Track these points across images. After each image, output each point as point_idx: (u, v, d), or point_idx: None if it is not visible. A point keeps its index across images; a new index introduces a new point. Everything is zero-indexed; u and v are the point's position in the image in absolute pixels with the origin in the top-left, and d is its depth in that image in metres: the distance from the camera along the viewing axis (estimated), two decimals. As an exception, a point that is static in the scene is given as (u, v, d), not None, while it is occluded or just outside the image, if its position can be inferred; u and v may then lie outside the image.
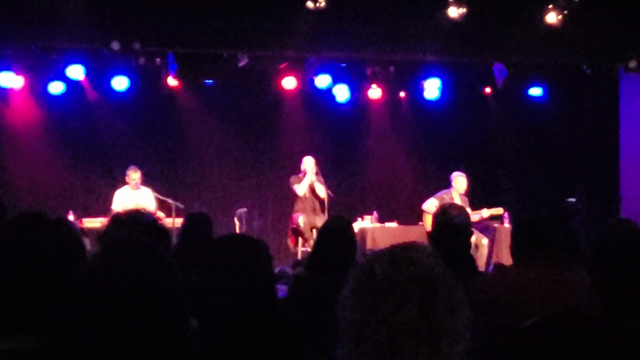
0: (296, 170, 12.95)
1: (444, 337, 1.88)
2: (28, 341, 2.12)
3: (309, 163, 12.81)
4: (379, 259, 1.98)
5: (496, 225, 12.72)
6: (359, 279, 1.96)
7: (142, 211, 3.68)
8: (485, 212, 12.60)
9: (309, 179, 12.64)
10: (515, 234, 4.38)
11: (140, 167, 12.66)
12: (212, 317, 2.85)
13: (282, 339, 2.84)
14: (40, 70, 12.81)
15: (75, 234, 2.36)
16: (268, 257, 3.11)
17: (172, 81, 13.48)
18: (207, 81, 13.85)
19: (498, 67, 13.81)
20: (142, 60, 12.75)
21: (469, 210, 10.51)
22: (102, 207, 12.86)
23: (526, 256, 4.18)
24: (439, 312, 1.89)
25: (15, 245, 2.23)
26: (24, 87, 12.91)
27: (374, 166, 15.37)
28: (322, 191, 12.67)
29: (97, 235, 3.63)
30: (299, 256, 12.15)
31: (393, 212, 14.17)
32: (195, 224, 6.71)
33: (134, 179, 12.35)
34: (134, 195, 12.25)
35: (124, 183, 12.48)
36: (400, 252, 1.98)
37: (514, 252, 4.37)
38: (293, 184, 12.78)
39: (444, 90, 14.15)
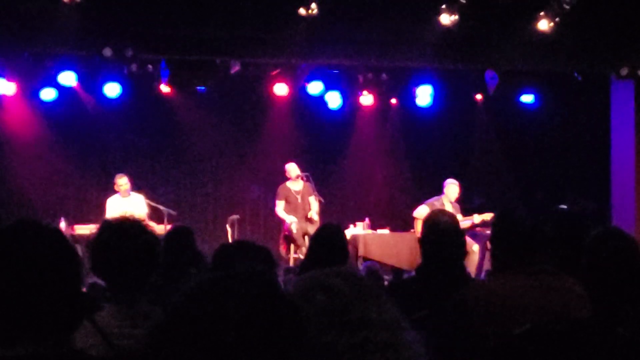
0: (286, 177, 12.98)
1: None
2: (21, 349, 2.12)
3: (293, 170, 12.85)
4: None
5: (487, 231, 12.71)
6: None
7: (132, 218, 3.66)
8: (477, 218, 12.61)
9: (290, 222, 12.61)
10: (494, 239, 4.35)
11: (132, 174, 12.64)
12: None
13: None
14: (32, 76, 12.78)
15: (68, 242, 2.36)
16: (272, 262, 3.10)
17: (164, 88, 13.49)
18: (199, 88, 13.85)
19: (490, 74, 13.83)
20: (134, 67, 12.73)
21: (460, 217, 10.54)
22: (93, 214, 12.85)
23: (510, 262, 4.17)
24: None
25: (9, 252, 2.23)
26: (16, 93, 12.88)
27: (366, 173, 15.39)
28: (315, 210, 12.71)
29: (87, 242, 3.62)
30: (291, 263, 12.16)
31: (385, 219, 14.18)
32: (177, 237, 6.72)
33: (122, 185, 12.32)
34: (124, 203, 12.21)
35: (115, 191, 12.46)
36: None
37: (494, 257, 4.35)
38: (277, 198, 12.84)
39: (436, 97, 14.17)
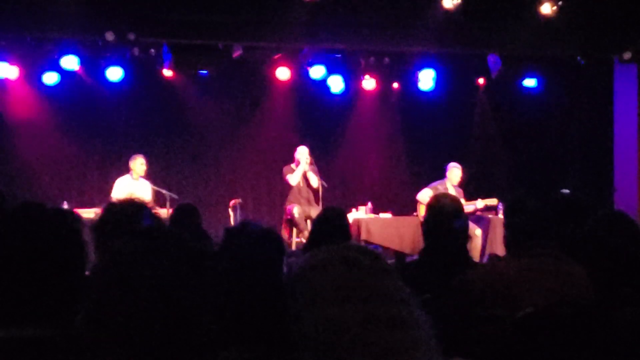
0: (290, 160, 12.96)
1: None
2: (25, 330, 2.13)
3: (303, 153, 12.82)
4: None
5: (490, 216, 12.74)
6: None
7: (136, 200, 3.66)
8: (480, 203, 12.62)
9: (301, 168, 12.65)
10: (508, 224, 4.37)
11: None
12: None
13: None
14: (35, 60, 12.78)
15: (75, 225, 2.36)
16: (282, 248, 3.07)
17: (166, 72, 13.48)
18: (201, 72, 13.84)
19: (492, 58, 13.81)
20: (136, 51, 12.73)
21: (463, 201, 10.55)
22: (96, 198, 12.84)
23: (520, 246, 4.18)
24: None
25: (14, 234, 2.24)
26: (18, 77, 12.89)
27: (368, 157, 15.38)
28: (315, 181, 12.69)
29: (90, 225, 3.61)
30: (293, 247, 12.16)
31: (387, 203, 14.18)
32: (183, 214, 6.74)
33: (142, 164, 12.32)
34: (132, 185, 12.22)
35: (124, 172, 12.43)
36: None
37: (508, 242, 4.37)
38: (286, 174, 12.79)
39: (438, 81, 14.16)
